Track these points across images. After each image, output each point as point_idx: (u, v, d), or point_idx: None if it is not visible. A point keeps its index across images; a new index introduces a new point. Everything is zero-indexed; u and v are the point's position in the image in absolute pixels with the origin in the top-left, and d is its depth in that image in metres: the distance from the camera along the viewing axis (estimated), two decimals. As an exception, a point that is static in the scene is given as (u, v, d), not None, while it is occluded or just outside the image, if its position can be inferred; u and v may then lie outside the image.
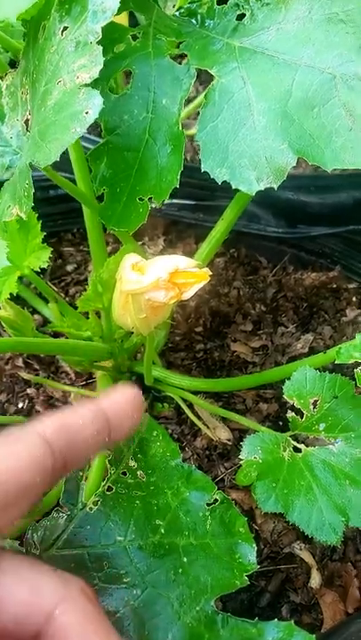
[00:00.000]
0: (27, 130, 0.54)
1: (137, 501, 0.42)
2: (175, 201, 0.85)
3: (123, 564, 0.39)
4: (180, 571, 0.40)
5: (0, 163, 0.56)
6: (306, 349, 0.85)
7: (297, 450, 0.54)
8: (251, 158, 0.48)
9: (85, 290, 0.61)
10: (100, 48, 0.44)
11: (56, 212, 0.91)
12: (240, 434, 0.78)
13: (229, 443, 0.76)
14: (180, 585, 0.39)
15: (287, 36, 0.52)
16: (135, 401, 0.37)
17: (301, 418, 0.54)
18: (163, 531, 0.41)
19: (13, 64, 0.89)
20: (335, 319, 0.88)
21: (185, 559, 0.40)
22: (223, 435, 0.74)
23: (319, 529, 0.49)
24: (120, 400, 0.36)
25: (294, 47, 0.51)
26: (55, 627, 0.28)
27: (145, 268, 0.46)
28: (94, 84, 0.47)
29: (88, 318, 0.71)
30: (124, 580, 0.38)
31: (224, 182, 0.50)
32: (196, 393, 0.77)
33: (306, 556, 0.68)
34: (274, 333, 0.88)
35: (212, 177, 0.50)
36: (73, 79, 0.45)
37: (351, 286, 0.88)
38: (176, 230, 0.95)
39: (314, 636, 0.37)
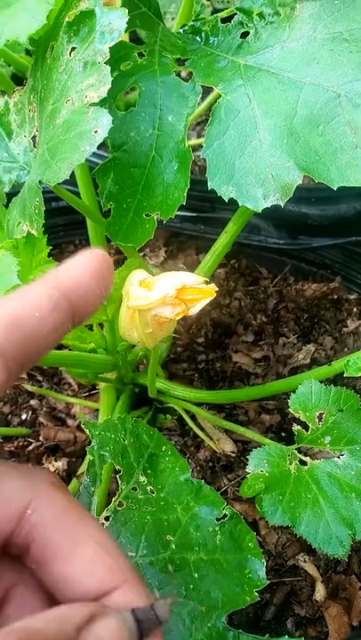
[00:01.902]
0: (34, 146, 0.55)
1: (148, 517, 0.42)
2: (177, 213, 0.86)
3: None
4: (192, 587, 0.40)
5: (7, 178, 0.57)
6: (308, 360, 0.85)
7: (303, 463, 0.54)
8: (257, 176, 0.49)
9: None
10: (108, 68, 0.45)
11: (58, 223, 0.92)
12: (243, 445, 0.78)
13: (233, 454, 0.76)
14: (191, 601, 0.39)
15: (292, 54, 0.53)
16: (102, 270, 0.30)
17: (307, 431, 0.55)
18: (173, 546, 0.41)
19: (16, 78, 0.90)
20: (336, 330, 0.89)
21: (196, 575, 0.40)
22: (227, 446, 0.75)
23: (326, 542, 0.49)
24: (83, 273, 0.29)
25: (299, 65, 0.52)
26: (29, 526, 0.26)
27: (152, 284, 0.46)
28: (101, 102, 0.47)
29: (92, 330, 0.71)
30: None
31: (231, 200, 0.50)
32: (198, 404, 0.77)
33: (310, 569, 0.68)
34: (275, 344, 0.88)
35: (219, 194, 0.50)
36: (81, 98, 0.45)
37: (352, 297, 0.89)
38: (177, 242, 0.95)
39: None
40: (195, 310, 0.46)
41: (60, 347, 0.77)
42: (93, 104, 0.44)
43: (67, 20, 0.46)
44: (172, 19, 1.05)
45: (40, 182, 0.45)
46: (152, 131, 0.53)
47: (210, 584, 0.40)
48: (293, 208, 0.84)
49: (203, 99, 1.06)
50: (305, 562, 0.68)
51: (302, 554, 0.69)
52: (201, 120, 1.10)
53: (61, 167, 0.43)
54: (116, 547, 0.27)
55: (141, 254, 0.95)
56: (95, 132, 0.43)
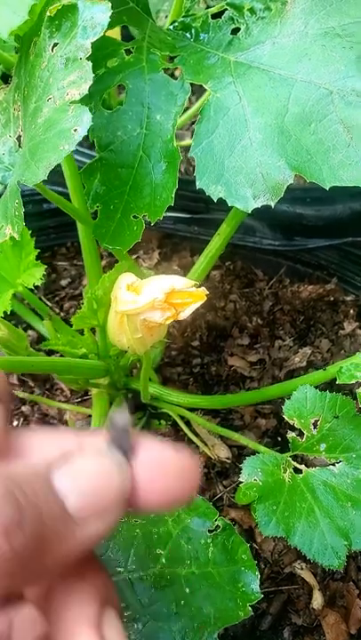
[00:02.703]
0: (19, 146, 0.53)
1: (137, 530, 0.41)
2: (170, 214, 0.84)
3: (123, 597, 0.38)
4: (183, 602, 0.38)
5: (-8, 180, 0.55)
6: (304, 363, 0.84)
7: (297, 471, 0.53)
8: (247, 175, 0.47)
9: (80, 305, 0.60)
10: (90, 64, 0.44)
11: (49, 225, 0.90)
12: (239, 451, 0.76)
13: (228, 460, 0.75)
14: (182, 617, 0.38)
15: (283, 50, 0.52)
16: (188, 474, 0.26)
17: (302, 438, 0.53)
18: (164, 560, 0.40)
19: (5, 78, 0.88)
20: (333, 332, 0.87)
21: (187, 589, 0.39)
22: (222, 453, 0.73)
23: (321, 553, 0.47)
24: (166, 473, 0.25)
25: (290, 62, 0.51)
26: None
27: (140, 288, 0.45)
28: (88, 99, 0.46)
29: (83, 335, 0.70)
30: (125, 614, 0.37)
31: (220, 200, 0.49)
32: (193, 409, 0.75)
33: (307, 576, 0.67)
34: (271, 347, 0.87)
35: (207, 194, 0.49)
36: (63, 96, 0.44)
37: (348, 299, 0.87)
38: (171, 243, 0.94)
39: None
40: (185, 315, 0.45)
41: (50, 352, 0.75)
42: (74, 102, 0.43)
43: (48, 14, 0.44)
44: (166, 17, 1.04)
45: (19, 183, 0.43)
46: (140, 130, 0.52)
47: (202, 599, 0.38)
48: (288, 209, 0.82)
49: (197, 98, 1.04)
50: (302, 569, 0.66)
51: (299, 561, 0.67)
52: (194, 121, 1.09)
53: (40, 167, 0.41)
54: None
55: (134, 257, 0.94)
56: (75, 130, 0.41)
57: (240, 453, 0.77)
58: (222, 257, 0.91)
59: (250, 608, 0.39)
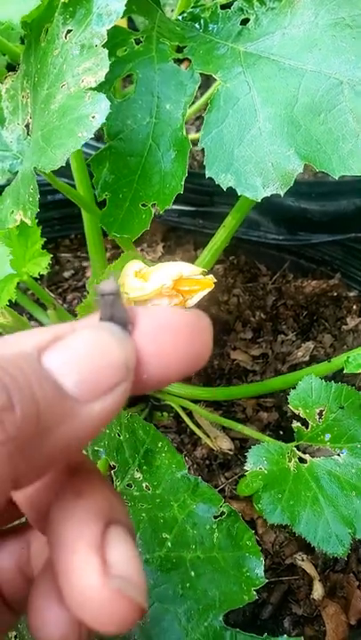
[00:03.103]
0: (27, 134, 0.54)
1: (143, 514, 0.41)
2: (175, 207, 0.84)
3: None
4: (188, 585, 0.39)
5: (0, 167, 0.55)
6: (307, 357, 0.84)
7: (302, 460, 0.53)
8: (257, 164, 0.48)
9: (83, 296, 0.60)
10: (106, 51, 0.44)
11: (54, 217, 0.90)
12: (241, 443, 0.77)
13: (230, 452, 0.75)
14: (187, 600, 0.38)
15: (293, 41, 0.52)
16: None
17: (307, 428, 0.53)
18: (170, 544, 0.40)
19: (10, 68, 0.88)
20: (336, 327, 0.88)
21: (192, 573, 0.39)
22: (224, 444, 0.73)
23: (326, 541, 0.48)
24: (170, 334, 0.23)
25: (300, 52, 0.51)
26: None
27: (148, 275, 0.45)
28: (98, 87, 0.46)
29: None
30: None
31: (229, 190, 0.49)
32: (195, 401, 0.76)
33: (308, 568, 0.67)
34: (274, 341, 0.87)
35: (216, 183, 0.49)
36: (78, 83, 0.44)
37: (352, 294, 0.88)
38: (175, 236, 0.94)
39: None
40: (192, 302, 0.45)
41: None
42: (91, 89, 0.43)
43: (62, 0, 0.44)
44: (172, 10, 1.04)
45: (35, 169, 0.44)
46: (149, 119, 0.52)
47: (207, 582, 0.39)
48: (293, 203, 0.82)
49: (202, 93, 1.05)
50: (303, 561, 0.67)
51: (300, 553, 0.67)
52: (200, 115, 1.09)
53: (57, 153, 0.42)
54: None
55: (139, 249, 0.94)
56: (93, 117, 0.41)
57: (242, 446, 0.77)
58: (226, 251, 0.91)
59: (254, 592, 0.39)
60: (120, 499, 0.23)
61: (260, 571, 0.40)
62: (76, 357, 0.21)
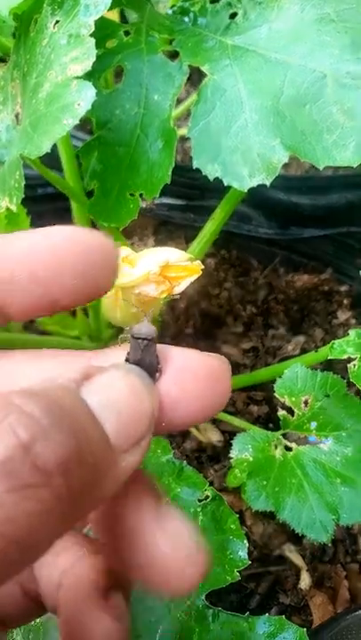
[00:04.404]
0: (17, 123, 0.54)
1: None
2: (165, 201, 0.85)
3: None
4: (170, 567, 0.39)
5: (-10, 157, 0.56)
6: (297, 351, 0.84)
7: (288, 449, 0.54)
8: (243, 154, 0.48)
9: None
10: (93, 41, 0.44)
11: (43, 210, 0.91)
12: (230, 436, 0.77)
13: (220, 444, 0.75)
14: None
15: (279, 34, 0.52)
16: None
17: (292, 416, 0.54)
18: (153, 527, 0.40)
19: (3, 61, 0.88)
20: (326, 321, 0.88)
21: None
22: (213, 436, 0.74)
23: (310, 527, 0.48)
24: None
25: (286, 46, 0.51)
26: None
27: (135, 260, 0.45)
28: (87, 78, 0.46)
29: (75, 317, 0.70)
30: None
31: (216, 180, 0.50)
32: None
33: (296, 558, 0.67)
34: (265, 335, 0.87)
35: (204, 173, 0.50)
36: (65, 71, 0.45)
37: (342, 289, 0.88)
38: (166, 230, 0.94)
39: (305, 629, 0.37)
40: (180, 289, 0.46)
41: (42, 332, 0.76)
42: (77, 77, 0.44)
43: (50, -9, 0.45)
44: (164, 7, 1.05)
45: (22, 156, 0.44)
46: (137, 109, 0.52)
47: (189, 564, 0.39)
48: (284, 197, 0.83)
49: (195, 89, 1.05)
50: (291, 551, 0.67)
51: (288, 543, 0.68)
52: (189, 113, 1.09)
53: (43, 140, 0.42)
54: None
55: (130, 243, 0.94)
56: (78, 104, 0.42)
57: (231, 438, 0.77)
58: (217, 245, 0.91)
59: (237, 573, 0.40)
60: (155, 482, 0.23)
61: (243, 553, 0.41)
62: (115, 401, 0.19)
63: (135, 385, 0.20)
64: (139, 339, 0.22)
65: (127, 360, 0.22)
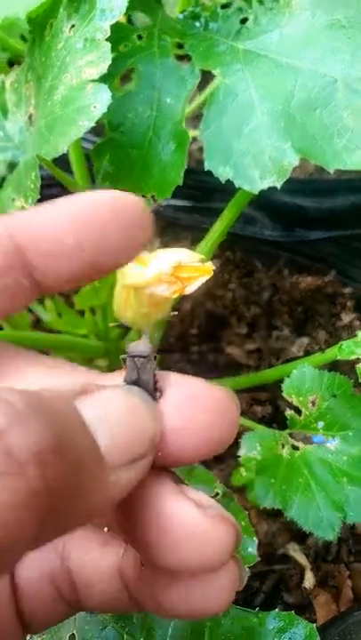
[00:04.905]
0: (30, 125, 0.55)
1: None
2: (171, 202, 0.86)
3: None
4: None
5: (2, 158, 0.57)
6: (301, 353, 0.85)
7: (295, 448, 0.54)
8: (254, 157, 0.49)
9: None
10: (109, 45, 0.45)
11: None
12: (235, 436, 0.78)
13: (224, 444, 0.76)
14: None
15: (290, 39, 0.53)
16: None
17: (300, 416, 0.55)
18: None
19: (10, 64, 0.89)
20: (330, 323, 0.89)
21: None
22: (219, 435, 0.74)
23: (317, 525, 0.49)
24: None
25: (297, 51, 0.52)
26: None
27: (147, 261, 0.46)
28: (100, 80, 0.47)
29: (83, 316, 0.71)
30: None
31: (226, 182, 0.50)
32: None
33: (300, 557, 0.68)
34: (268, 337, 0.88)
35: (215, 175, 0.50)
36: (80, 74, 0.45)
37: (346, 291, 0.89)
38: (172, 232, 0.95)
39: (314, 625, 0.38)
40: (191, 289, 0.46)
41: (50, 330, 0.77)
42: (93, 80, 0.44)
43: (67, -5, 0.46)
44: (171, 11, 1.06)
45: (38, 157, 0.45)
46: (150, 112, 0.53)
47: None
48: (289, 200, 0.84)
49: (198, 94, 1.06)
50: (295, 550, 0.68)
51: (292, 543, 0.69)
52: (196, 115, 1.10)
53: (59, 141, 0.43)
54: None
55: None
56: (94, 107, 0.43)
57: (235, 439, 0.78)
58: (222, 247, 0.92)
59: (247, 569, 0.40)
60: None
61: (253, 549, 0.42)
62: (112, 416, 0.19)
63: (135, 403, 0.20)
64: (135, 357, 0.21)
65: (125, 381, 0.22)
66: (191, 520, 0.20)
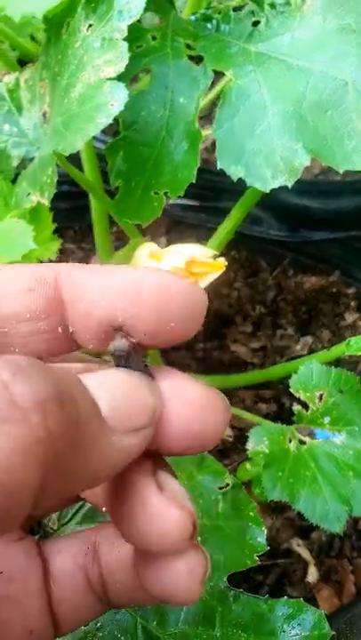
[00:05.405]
0: (44, 122, 0.56)
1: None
2: (179, 201, 0.87)
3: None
4: (194, 550, 0.41)
5: (17, 153, 0.58)
6: (305, 351, 0.86)
7: (302, 442, 0.55)
8: (266, 157, 0.50)
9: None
10: (126, 45, 0.46)
11: (59, 207, 0.92)
12: (239, 432, 0.79)
13: (229, 439, 0.77)
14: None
15: (301, 43, 0.54)
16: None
17: (307, 411, 0.56)
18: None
19: (21, 63, 0.91)
20: (334, 323, 0.90)
21: (199, 538, 0.41)
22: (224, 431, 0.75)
23: (324, 518, 0.50)
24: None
25: (308, 54, 0.53)
26: None
27: (161, 256, 0.47)
28: (116, 79, 0.48)
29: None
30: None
31: (238, 180, 0.51)
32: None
33: (303, 552, 0.69)
34: (273, 335, 0.89)
35: (227, 174, 0.51)
36: (98, 73, 0.46)
37: (350, 291, 0.90)
38: (179, 230, 0.96)
39: (323, 611, 0.39)
40: (203, 284, 0.47)
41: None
42: (110, 79, 0.45)
43: (86, -4, 0.47)
44: (180, 12, 1.07)
45: (55, 152, 0.46)
46: (163, 112, 0.54)
47: (212, 548, 0.41)
48: (295, 201, 0.85)
49: (206, 95, 1.07)
50: (299, 545, 0.69)
51: (296, 538, 0.70)
52: (203, 115, 1.11)
53: (77, 138, 0.44)
54: None
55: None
56: (112, 104, 0.44)
57: (241, 435, 0.79)
58: (228, 246, 0.93)
59: (256, 558, 0.41)
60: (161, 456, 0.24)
61: (261, 539, 0.43)
62: (112, 385, 0.20)
63: (135, 378, 0.21)
64: (115, 353, 0.22)
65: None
66: (151, 502, 0.22)
